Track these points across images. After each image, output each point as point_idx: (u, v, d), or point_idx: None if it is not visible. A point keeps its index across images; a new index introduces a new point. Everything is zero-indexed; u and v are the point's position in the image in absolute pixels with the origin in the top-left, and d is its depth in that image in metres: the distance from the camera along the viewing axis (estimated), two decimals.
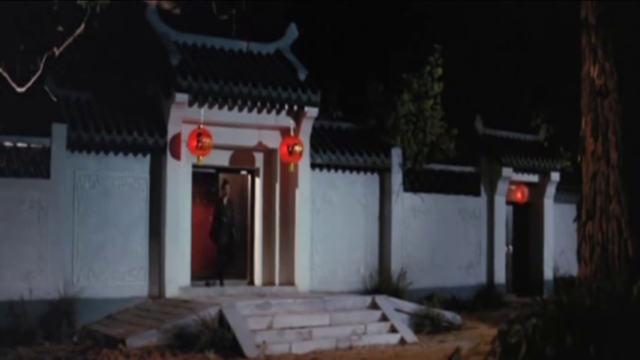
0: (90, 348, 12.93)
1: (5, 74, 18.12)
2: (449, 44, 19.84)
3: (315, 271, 17.48)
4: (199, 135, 15.77)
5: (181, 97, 15.68)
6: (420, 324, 15.51)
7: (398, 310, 15.48)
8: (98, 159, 15.55)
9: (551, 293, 9.37)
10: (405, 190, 19.03)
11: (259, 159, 17.55)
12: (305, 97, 16.85)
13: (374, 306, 15.45)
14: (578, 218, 9.39)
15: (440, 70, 19.23)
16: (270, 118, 16.85)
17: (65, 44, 18.39)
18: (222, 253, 17.13)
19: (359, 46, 23.26)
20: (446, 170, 20.02)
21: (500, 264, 20.64)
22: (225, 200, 17.11)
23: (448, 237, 19.83)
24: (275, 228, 17.33)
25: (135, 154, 15.88)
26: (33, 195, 14.68)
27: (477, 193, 20.51)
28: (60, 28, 18.31)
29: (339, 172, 18.26)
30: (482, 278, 20.32)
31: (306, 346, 13.59)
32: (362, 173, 18.59)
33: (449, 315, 16.05)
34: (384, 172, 18.82)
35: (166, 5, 18.82)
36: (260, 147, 17.26)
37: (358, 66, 22.56)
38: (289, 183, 17.28)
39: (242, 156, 17.34)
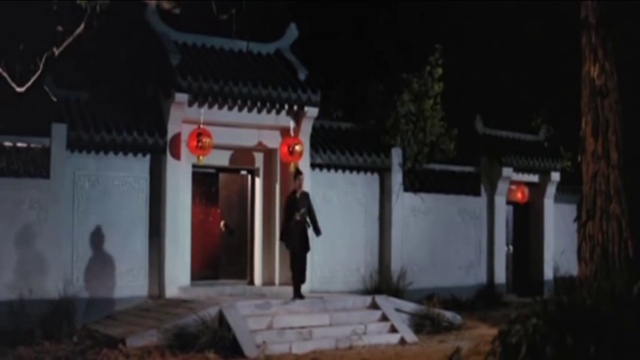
0: (90, 348, 12.91)
1: (5, 74, 18.15)
2: (449, 44, 19.84)
3: (315, 271, 17.45)
4: (199, 135, 15.77)
5: (181, 97, 15.67)
6: (420, 324, 15.49)
7: (398, 310, 15.47)
8: (98, 159, 15.54)
9: (552, 293, 9.39)
10: (405, 190, 19.02)
11: (259, 159, 17.54)
12: (305, 97, 16.85)
13: (374, 306, 15.44)
14: (578, 218, 9.40)
15: (440, 70, 19.23)
16: (270, 118, 16.84)
17: (65, 44, 18.43)
18: (296, 258, 14.79)
19: (359, 46, 23.26)
20: (446, 170, 20.01)
21: (501, 264, 20.63)
22: (298, 193, 15.03)
23: (448, 237, 19.83)
24: (275, 228, 17.29)
25: (135, 154, 15.87)
26: (33, 195, 14.66)
27: (477, 193, 20.51)
28: (60, 28, 18.33)
29: (339, 172, 18.25)
30: (483, 278, 20.32)
31: (306, 346, 13.58)
32: (362, 173, 18.58)
33: (449, 315, 16.04)
34: (384, 172, 18.81)
35: (166, 5, 18.83)
36: (260, 147, 17.25)
37: (358, 66, 22.57)
38: (289, 183, 17.26)
39: (242, 156, 17.33)
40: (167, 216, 15.84)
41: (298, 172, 15.39)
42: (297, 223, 14.80)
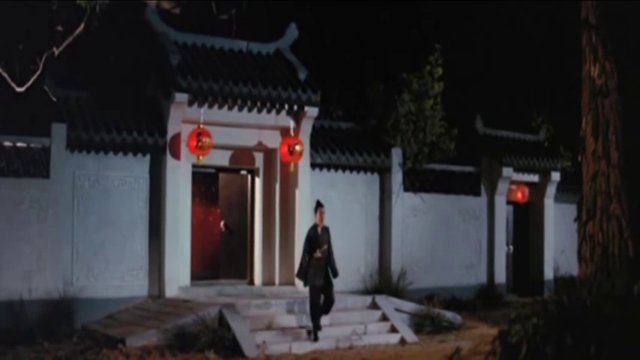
0: (89, 348, 12.92)
1: (5, 74, 18.13)
2: (449, 44, 19.83)
3: None
4: (199, 135, 15.76)
5: (181, 97, 15.67)
6: (421, 324, 15.50)
7: (398, 310, 15.48)
8: (98, 159, 15.54)
9: (552, 293, 9.37)
10: (405, 190, 19.02)
11: (259, 159, 17.53)
12: (305, 97, 16.85)
13: (374, 306, 15.44)
14: (578, 218, 9.41)
15: (440, 70, 19.23)
16: (270, 118, 16.83)
17: (65, 44, 18.40)
18: (316, 298, 13.66)
19: (359, 45, 23.26)
20: (446, 170, 20.01)
21: (501, 264, 20.64)
22: (319, 228, 14.00)
23: (448, 237, 19.82)
24: (275, 228, 17.31)
25: (135, 154, 15.86)
26: (33, 195, 14.66)
27: (477, 193, 20.51)
28: (60, 28, 18.31)
29: (339, 172, 18.25)
30: (483, 278, 20.32)
31: (306, 346, 13.58)
32: (362, 173, 18.58)
33: (449, 315, 16.04)
34: (384, 172, 18.81)
35: (166, 5, 18.80)
36: (260, 147, 17.25)
37: (358, 66, 22.56)
38: (289, 183, 17.27)
39: (242, 156, 17.33)
40: (167, 216, 15.84)
41: (319, 205, 14.27)
42: (318, 260, 13.76)
